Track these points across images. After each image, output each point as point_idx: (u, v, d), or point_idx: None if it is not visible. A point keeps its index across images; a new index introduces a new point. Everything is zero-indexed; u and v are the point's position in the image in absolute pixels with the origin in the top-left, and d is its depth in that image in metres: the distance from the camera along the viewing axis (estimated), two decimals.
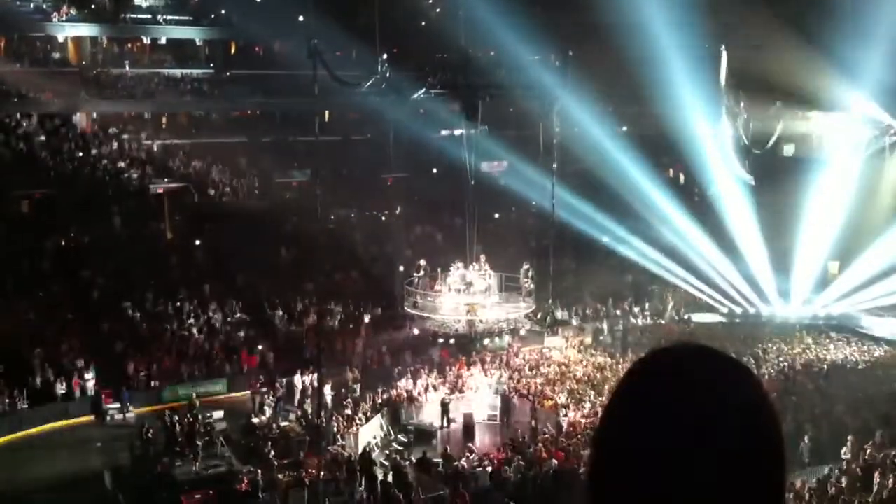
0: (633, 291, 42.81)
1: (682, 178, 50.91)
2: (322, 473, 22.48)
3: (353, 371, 31.82)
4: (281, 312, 35.88)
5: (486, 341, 34.14)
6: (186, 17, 49.47)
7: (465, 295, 28.36)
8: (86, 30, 47.18)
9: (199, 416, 27.00)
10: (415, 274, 29.75)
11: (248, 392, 29.56)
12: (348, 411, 27.48)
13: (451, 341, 33.24)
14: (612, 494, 1.29)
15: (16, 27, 45.05)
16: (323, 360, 27.13)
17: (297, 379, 30.47)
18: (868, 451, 23.62)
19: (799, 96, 39.89)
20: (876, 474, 21.83)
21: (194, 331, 33.62)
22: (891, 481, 21.30)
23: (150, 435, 25.72)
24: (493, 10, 35.31)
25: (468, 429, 27.96)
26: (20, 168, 40.74)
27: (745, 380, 1.32)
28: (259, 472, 22.95)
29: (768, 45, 39.66)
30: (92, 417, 29.17)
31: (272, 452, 24.38)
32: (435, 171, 46.45)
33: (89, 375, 30.04)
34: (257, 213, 41.55)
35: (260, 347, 33.52)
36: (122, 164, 43.26)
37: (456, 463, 23.82)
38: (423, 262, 29.74)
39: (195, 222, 40.97)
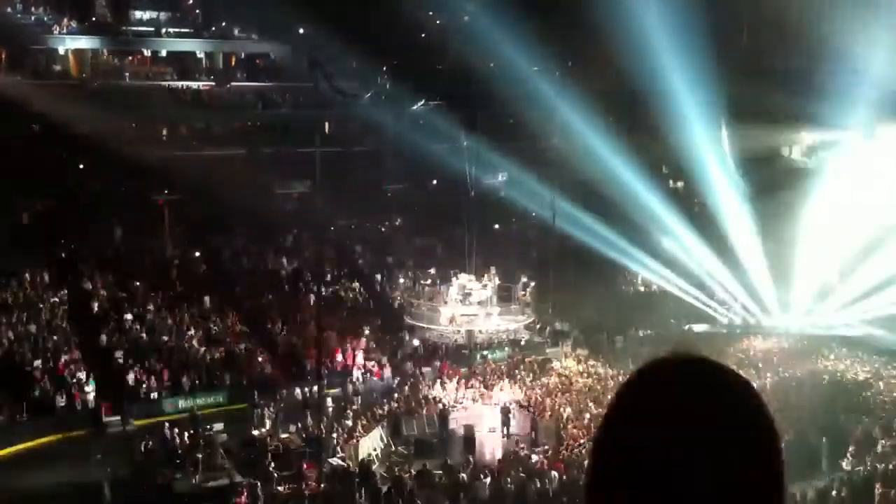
0: (633, 302, 42.72)
1: (681, 187, 50.89)
2: (322, 486, 22.42)
3: (353, 382, 31.76)
4: (281, 323, 35.83)
5: (486, 353, 34.07)
6: (187, 30, 49.60)
7: (463, 306, 28.34)
8: (86, 42, 47.26)
9: (200, 429, 26.94)
10: (421, 282, 29.80)
11: (249, 404, 29.45)
12: (348, 423, 27.41)
13: (451, 352, 33.19)
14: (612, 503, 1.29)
15: (17, 39, 45.13)
16: (323, 371, 27.07)
17: (298, 391, 30.40)
18: (870, 461, 23.56)
19: (800, 110, 39.92)
20: (878, 485, 21.76)
21: (195, 342, 33.55)
22: (893, 492, 21.24)
23: (150, 447, 25.66)
24: (494, 23, 35.33)
25: (468, 440, 27.88)
26: (21, 180, 40.74)
27: (743, 389, 1.33)
28: (259, 484, 22.89)
29: (769, 57, 39.73)
30: (92, 430, 29.10)
31: (272, 465, 24.31)
32: (435, 182, 46.51)
33: (89, 387, 30.00)
34: (258, 225, 41.55)
35: (260, 359, 33.44)
36: (122, 176, 43.23)
37: (456, 475, 23.76)
38: (432, 271, 29.82)
39: (196, 233, 40.96)
